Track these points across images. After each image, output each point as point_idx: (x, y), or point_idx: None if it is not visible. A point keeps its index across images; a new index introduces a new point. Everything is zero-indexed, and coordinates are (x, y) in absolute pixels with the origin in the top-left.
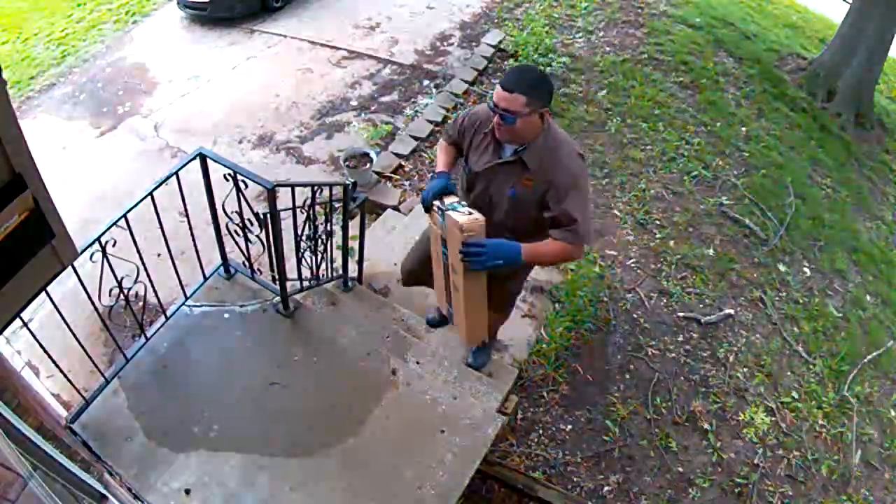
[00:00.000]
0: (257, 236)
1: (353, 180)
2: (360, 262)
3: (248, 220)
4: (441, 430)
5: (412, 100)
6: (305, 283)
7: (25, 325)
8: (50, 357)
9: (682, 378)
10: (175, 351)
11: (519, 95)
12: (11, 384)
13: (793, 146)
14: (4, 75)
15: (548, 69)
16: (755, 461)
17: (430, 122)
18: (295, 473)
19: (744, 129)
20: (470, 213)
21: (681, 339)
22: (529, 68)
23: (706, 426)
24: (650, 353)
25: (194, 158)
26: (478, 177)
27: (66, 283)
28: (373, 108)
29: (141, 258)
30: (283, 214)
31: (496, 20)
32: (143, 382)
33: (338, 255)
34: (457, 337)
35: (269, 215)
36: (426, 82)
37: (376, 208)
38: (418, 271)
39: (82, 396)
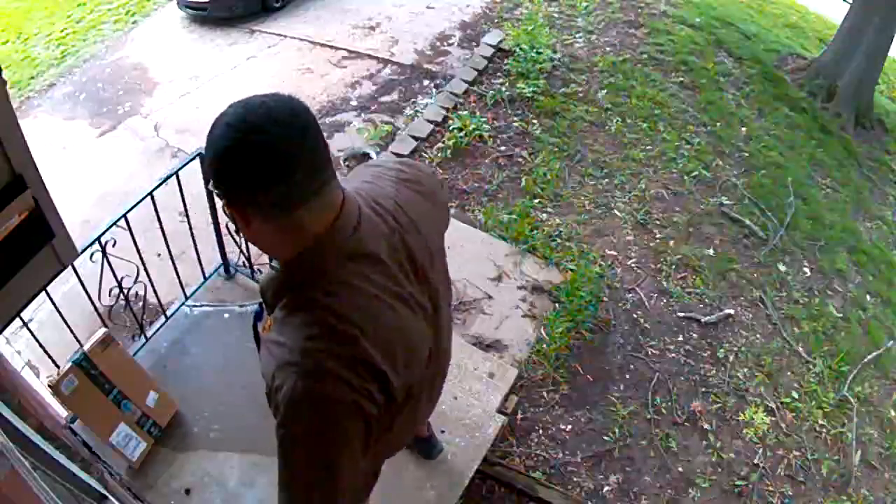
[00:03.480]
0: None
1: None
2: None
3: None
4: (441, 430)
5: (412, 100)
6: None
7: (25, 325)
8: (50, 357)
9: (682, 378)
10: (175, 351)
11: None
12: (11, 384)
13: (793, 146)
14: (4, 75)
15: (549, 67)
16: (755, 461)
17: (430, 122)
18: None
19: (744, 129)
20: None
21: (681, 339)
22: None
23: (706, 426)
24: (650, 353)
25: (194, 158)
26: None
27: (66, 283)
28: (373, 108)
29: (141, 258)
30: None
31: (496, 20)
32: None
33: None
34: (457, 338)
35: None
36: (426, 82)
37: None
38: None
39: None
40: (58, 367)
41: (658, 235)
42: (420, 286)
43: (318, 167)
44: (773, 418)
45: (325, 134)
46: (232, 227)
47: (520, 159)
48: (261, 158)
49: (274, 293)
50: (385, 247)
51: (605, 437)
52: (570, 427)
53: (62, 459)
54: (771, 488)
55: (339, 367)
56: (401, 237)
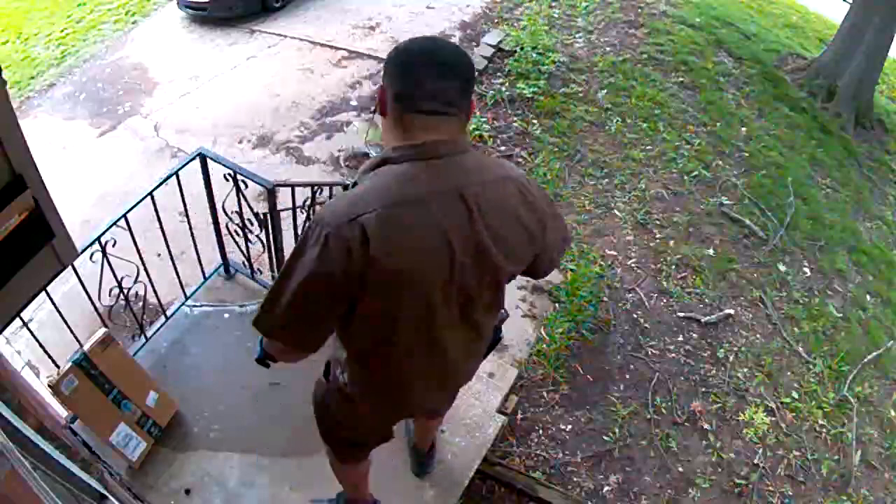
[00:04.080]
0: (257, 236)
1: (353, 180)
2: None
3: (248, 220)
4: (441, 429)
5: None
6: None
7: (25, 325)
8: (50, 357)
9: (682, 378)
10: (175, 351)
11: None
12: (11, 384)
13: (793, 146)
14: (4, 75)
15: (549, 68)
16: (755, 461)
17: None
18: (295, 473)
19: (744, 129)
20: None
21: (681, 339)
22: None
23: (706, 426)
24: (650, 353)
25: (194, 158)
26: None
27: (66, 283)
28: (373, 108)
29: (141, 258)
30: (283, 214)
31: (496, 20)
32: None
33: None
34: None
35: (269, 215)
36: None
37: None
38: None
39: None
40: (58, 367)
41: (658, 235)
42: (465, 244)
43: (441, 99)
44: (773, 418)
45: (325, 134)
46: (232, 226)
47: (520, 159)
48: (403, 63)
49: (364, 170)
50: (451, 192)
51: (605, 437)
52: (570, 427)
53: (62, 459)
54: (771, 488)
55: (338, 220)
56: (474, 200)
